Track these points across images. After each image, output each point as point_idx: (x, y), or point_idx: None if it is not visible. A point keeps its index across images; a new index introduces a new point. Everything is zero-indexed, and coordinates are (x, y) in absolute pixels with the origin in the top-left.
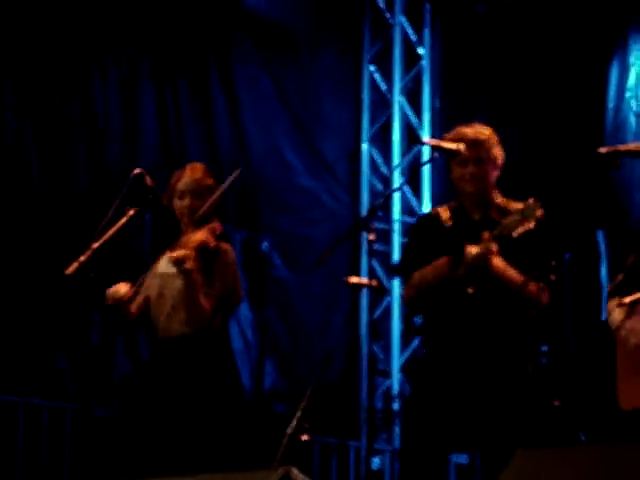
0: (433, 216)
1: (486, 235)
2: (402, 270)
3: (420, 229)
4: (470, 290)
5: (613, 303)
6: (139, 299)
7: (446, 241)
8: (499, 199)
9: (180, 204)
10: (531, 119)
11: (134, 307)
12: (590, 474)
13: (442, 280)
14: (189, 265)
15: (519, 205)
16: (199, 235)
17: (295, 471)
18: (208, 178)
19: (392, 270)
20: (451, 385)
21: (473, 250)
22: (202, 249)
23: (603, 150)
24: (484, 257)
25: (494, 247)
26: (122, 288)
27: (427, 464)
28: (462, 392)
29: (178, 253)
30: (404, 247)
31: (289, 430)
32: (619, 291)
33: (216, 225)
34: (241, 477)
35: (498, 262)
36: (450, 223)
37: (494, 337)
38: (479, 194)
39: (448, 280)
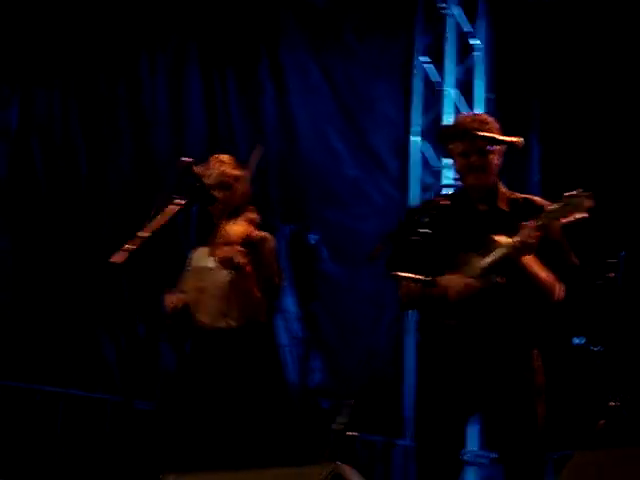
0: (434, 206)
1: (530, 224)
2: (390, 265)
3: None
4: (500, 280)
5: None
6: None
7: (451, 233)
8: (503, 189)
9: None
10: (585, 113)
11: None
12: None
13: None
14: (242, 260)
15: (523, 196)
16: (240, 227)
17: (344, 467)
18: (235, 169)
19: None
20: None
21: (513, 240)
22: (247, 242)
23: None
24: (529, 247)
25: (537, 235)
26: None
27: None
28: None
29: (226, 252)
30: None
31: (335, 426)
32: None
33: (253, 215)
34: (290, 473)
35: (528, 255)
36: (454, 213)
37: (505, 328)
38: (484, 185)
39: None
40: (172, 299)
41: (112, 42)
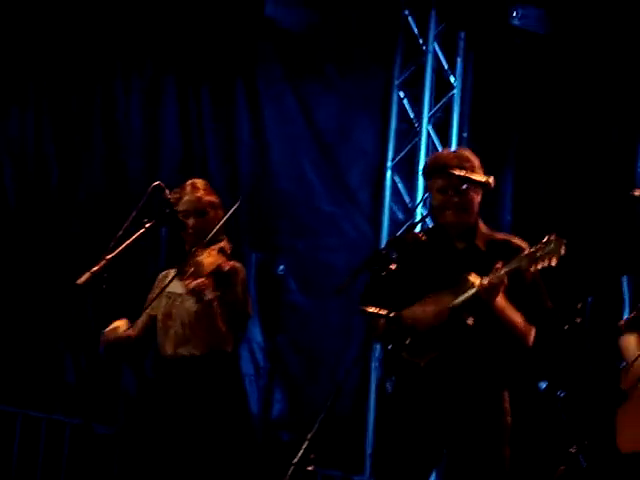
0: (410, 241)
1: (499, 266)
2: (363, 300)
3: (393, 254)
4: (470, 322)
5: (628, 338)
6: (139, 324)
7: (426, 269)
8: (483, 228)
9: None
10: (560, 156)
11: (132, 333)
12: None
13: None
14: (210, 295)
15: (503, 236)
16: (211, 258)
17: None
18: (209, 195)
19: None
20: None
21: (482, 281)
22: (217, 274)
23: (637, 192)
24: (496, 289)
25: (505, 280)
26: (120, 327)
27: None
28: (436, 419)
29: (196, 284)
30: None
31: (295, 460)
32: (632, 327)
33: (225, 244)
34: None
35: (501, 299)
36: (430, 249)
37: (477, 368)
38: (463, 223)
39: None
40: (122, 327)
41: (87, 62)
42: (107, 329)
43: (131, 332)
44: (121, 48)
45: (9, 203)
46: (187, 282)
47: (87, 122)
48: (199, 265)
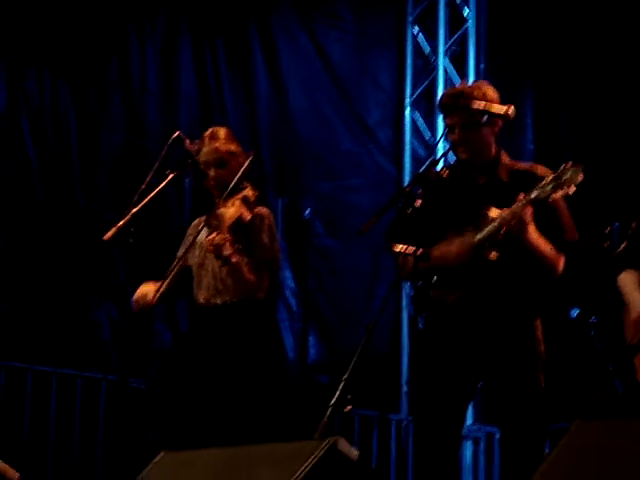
0: (433, 178)
1: (521, 197)
2: (389, 238)
3: (417, 191)
4: (493, 255)
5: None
6: (172, 274)
7: (449, 206)
8: (506, 159)
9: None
10: (578, 83)
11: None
12: None
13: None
14: (227, 251)
15: (526, 166)
16: (232, 210)
17: (342, 441)
18: (230, 143)
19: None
20: (458, 345)
21: (501, 214)
22: (237, 225)
23: None
24: (521, 222)
25: (528, 210)
26: (149, 292)
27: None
28: (468, 353)
29: (215, 240)
30: (397, 210)
31: (332, 401)
32: (623, 259)
33: (248, 192)
34: (288, 448)
35: (533, 230)
36: (452, 185)
37: (505, 301)
38: (477, 159)
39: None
40: (151, 292)
41: (101, 20)
42: (136, 296)
43: (159, 295)
44: (134, 2)
45: (30, 164)
46: (206, 241)
47: (103, 80)
48: (221, 218)
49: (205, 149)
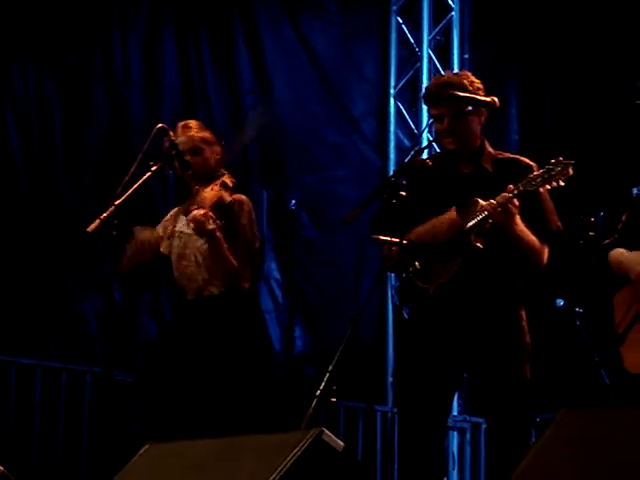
0: (418, 167)
1: (510, 189)
2: (375, 228)
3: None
4: (479, 244)
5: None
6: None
7: (434, 195)
8: (490, 149)
9: None
10: (563, 74)
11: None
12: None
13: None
14: (211, 226)
15: (510, 155)
16: (212, 192)
17: (326, 433)
18: (201, 131)
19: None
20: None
21: (490, 204)
22: (218, 206)
23: None
24: (507, 212)
25: (516, 202)
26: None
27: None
28: (453, 343)
29: (196, 215)
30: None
31: (317, 392)
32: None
33: (226, 178)
34: (273, 439)
35: (519, 222)
36: (437, 175)
37: (489, 290)
38: (463, 149)
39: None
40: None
41: (85, 13)
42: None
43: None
44: None
45: (14, 155)
46: (188, 217)
47: (87, 72)
48: (201, 200)
49: (180, 139)
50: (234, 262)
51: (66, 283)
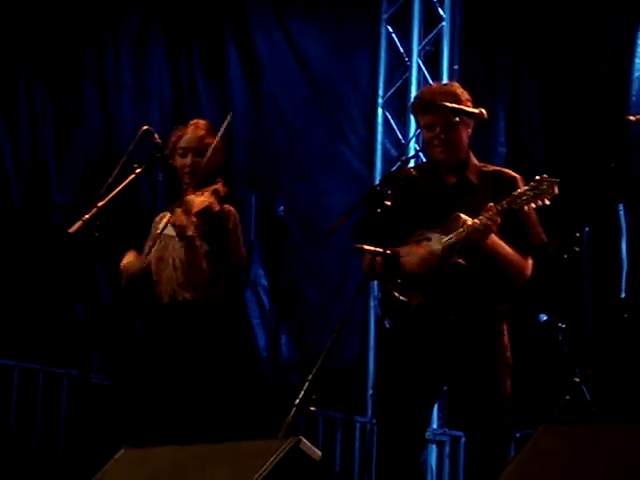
0: (402, 177)
1: (492, 208)
2: (356, 234)
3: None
4: (462, 261)
5: None
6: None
7: (418, 206)
8: (475, 161)
9: (181, 162)
10: (553, 86)
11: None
12: (618, 451)
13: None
14: (191, 232)
15: (495, 168)
16: (202, 198)
17: (304, 442)
18: (211, 137)
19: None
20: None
21: (473, 221)
22: (205, 214)
23: (632, 118)
24: (487, 230)
25: (498, 220)
26: (134, 260)
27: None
28: (434, 357)
29: (180, 219)
30: (366, 207)
31: (296, 401)
32: None
33: (220, 187)
34: (250, 446)
35: (492, 235)
36: (422, 186)
37: (471, 306)
38: (452, 159)
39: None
40: (137, 261)
41: (76, 21)
42: (124, 262)
43: (146, 259)
44: (107, 5)
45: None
46: (172, 219)
47: (79, 79)
48: (189, 203)
49: (188, 135)
50: (207, 271)
51: (47, 284)
